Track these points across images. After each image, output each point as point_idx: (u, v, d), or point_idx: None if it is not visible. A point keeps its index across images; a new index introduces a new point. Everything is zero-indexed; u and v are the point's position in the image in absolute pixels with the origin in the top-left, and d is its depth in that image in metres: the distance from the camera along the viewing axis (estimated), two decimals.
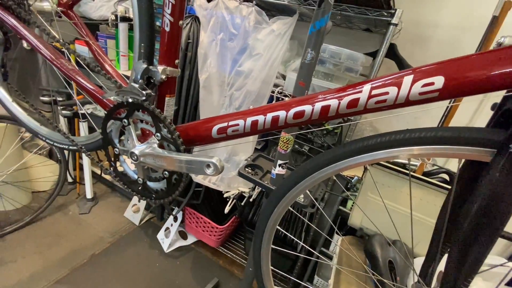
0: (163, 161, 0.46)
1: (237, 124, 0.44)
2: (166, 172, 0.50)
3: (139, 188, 0.54)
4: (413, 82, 0.32)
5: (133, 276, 1.33)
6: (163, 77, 0.46)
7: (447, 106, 0.89)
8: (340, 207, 1.16)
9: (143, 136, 0.51)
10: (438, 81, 0.31)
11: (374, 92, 0.34)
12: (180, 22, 0.46)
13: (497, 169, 0.31)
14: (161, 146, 0.49)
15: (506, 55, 0.30)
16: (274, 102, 0.73)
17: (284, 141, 0.76)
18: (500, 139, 0.31)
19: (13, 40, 0.66)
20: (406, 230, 0.76)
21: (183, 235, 1.60)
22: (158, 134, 0.47)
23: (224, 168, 1.18)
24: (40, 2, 0.61)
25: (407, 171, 0.84)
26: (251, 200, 1.17)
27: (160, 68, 0.46)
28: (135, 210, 1.68)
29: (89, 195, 1.72)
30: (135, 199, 1.69)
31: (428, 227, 0.73)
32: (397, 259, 0.81)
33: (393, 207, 0.86)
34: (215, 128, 0.46)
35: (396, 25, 0.85)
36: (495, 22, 0.67)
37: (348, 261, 0.95)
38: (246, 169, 0.88)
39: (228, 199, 1.23)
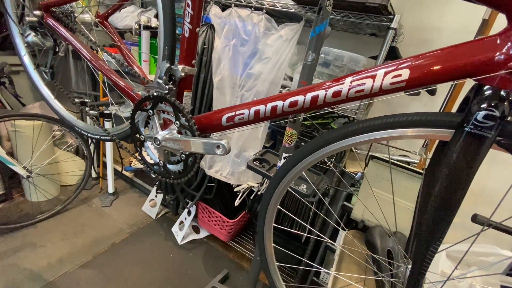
0: (181, 144, 0.55)
1: (243, 113, 0.52)
2: (184, 155, 0.59)
3: (160, 170, 0.64)
4: (385, 74, 0.39)
5: (149, 264, 1.43)
6: (183, 74, 0.56)
7: (447, 94, 0.94)
8: (345, 203, 1.21)
9: (165, 125, 0.61)
10: (405, 73, 0.38)
11: (353, 83, 0.42)
12: (197, 29, 0.55)
13: (455, 147, 0.37)
14: (179, 132, 0.58)
15: (463, 50, 0.37)
16: None
17: (289, 135, 0.84)
18: (458, 121, 0.37)
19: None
20: (406, 221, 0.80)
21: (196, 229, 1.69)
22: (178, 122, 0.57)
23: (234, 163, 1.27)
24: (82, 14, 0.73)
25: (409, 165, 0.89)
26: (259, 193, 1.24)
27: (180, 67, 0.56)
28: (152, 205, 1.79)
29: (110, 189, 1.85)
30: (152, 194, 1.80)
31: None
32: (396, 249, 0.85)
33: (392, 199, 0.90)
34: (224, 117, 0.54)
35: (395, 29, 0.91)
36: (485, 25, 0.72)
37: (350, 253, 1.00)
38: (254, 162, 0.96)
39: (238, 193, 1.31)
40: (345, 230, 1.12)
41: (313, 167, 0.97)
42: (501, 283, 0.76)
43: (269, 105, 0.49)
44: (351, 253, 0.97)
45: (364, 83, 0.41)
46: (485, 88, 0.35)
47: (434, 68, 0.37)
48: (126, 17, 1.56)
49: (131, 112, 0.61)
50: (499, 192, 1.06)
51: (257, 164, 0.96)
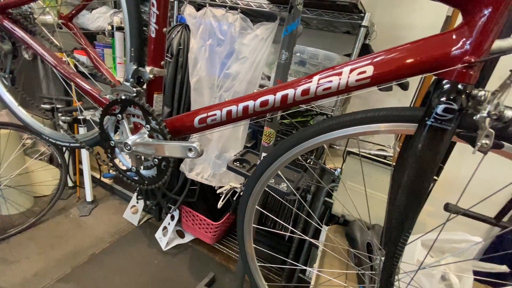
0: (152, 149, 0.53)
1: (215, 114, 0.51)
2: (156, 160, 0.57)
3: (133, 176, 0.61)
4: (350, 71, 0.40)
5: (132, 273, 1.38)
6: (151, 76, 0.54)
7: (416, 89, 0.97)
8: (327, 199, 1.22)
9: (135, 129, 0.59)
10: (369, 70, 0.39)
11: (321, 81, 0.42)
12: (164, 29, 0.53)
13: (419, 140, 0.38)
14: (151, 136, 0.56)
15: (422, 46, 0.38)
16: None
17: (267, 134, 0.84)
18: (420, 115, 0.38)
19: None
20: (384, 214, 0.83)
21: (180, 234, 1.66)
22: (148, 126, 0.55)
23: (215, 164, 1.25)
24: (43, 15, 0.69)
25: (385, 159, 0.91)
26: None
27: (148, 68, 0.54)
28: (133, 212, 1.74)
29: (89, 198, 1.78)
30: (133, 200, 1.75)
31: None
32: (374, 241, 0.87)
33: (370, 193, 0.93)
34: (196, 119, 0.53)
35: (366, 27, 0.93)
36: (448, 22, 0.75)
37: (332, 248, 1.01)
38: (235, 163, 0.95)
39: (221, 195, 1.30)
40: (321, 227, 1.14)
41: (294, 165, 0.97)
42: (473, 268, 0.80)
43: (241, 105, 0.49)
44: (334, 249, 0.99)
45: (331, 81, 0.41)
46: (443, 82, 0.36)
47: (396, 64, 0.38)
48: (98, 18, 1.51)
49: (99, 117, 0.58)
50: (472, 181, 1.11)
51: (238, 164, 0.95)
